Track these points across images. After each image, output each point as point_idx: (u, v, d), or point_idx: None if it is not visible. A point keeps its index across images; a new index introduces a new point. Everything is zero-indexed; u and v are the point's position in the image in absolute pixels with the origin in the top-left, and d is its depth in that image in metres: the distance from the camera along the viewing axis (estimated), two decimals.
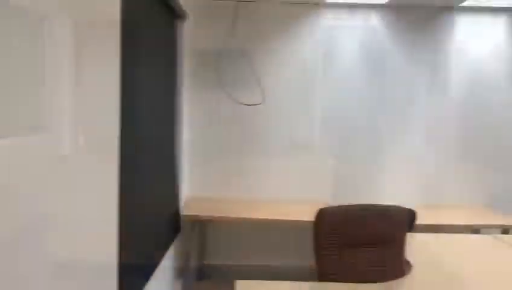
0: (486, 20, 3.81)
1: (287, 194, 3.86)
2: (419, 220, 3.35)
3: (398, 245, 2.10)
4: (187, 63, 3.55)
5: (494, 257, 2.21)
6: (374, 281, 1.92)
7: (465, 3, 3.64)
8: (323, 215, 2.02)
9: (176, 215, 3.23)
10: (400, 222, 2.10)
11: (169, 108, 3.10)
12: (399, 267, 2.07)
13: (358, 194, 3.84)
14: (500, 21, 3.81)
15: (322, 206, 2.06)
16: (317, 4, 3.78)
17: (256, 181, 3.86)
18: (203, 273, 3.79)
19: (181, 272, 3.43)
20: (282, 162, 3.86)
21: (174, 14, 3.17)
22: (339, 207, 2.05)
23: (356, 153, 3.88)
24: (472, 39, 3.83)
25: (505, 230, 3.28)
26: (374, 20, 3.80)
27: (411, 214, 2.92)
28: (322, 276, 2.03)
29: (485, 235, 2.61)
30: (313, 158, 3.87)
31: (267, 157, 3.86)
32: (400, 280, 1.95)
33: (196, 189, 3.83)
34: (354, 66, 3.83)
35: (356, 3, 3.76)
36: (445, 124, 3.88)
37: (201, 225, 3.78)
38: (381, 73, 3.84)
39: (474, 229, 3.52)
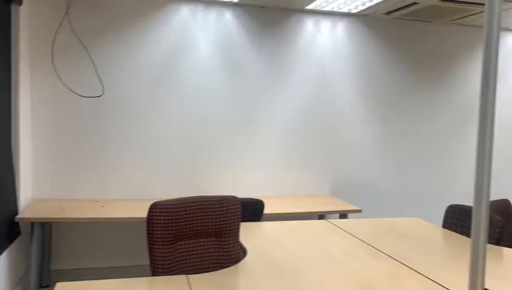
0: (329, 23, 4.15)
1: (136, 192, 3.79)
2: (269, 210, 3.55)
3: (232, 234, 2.18)
4: (24, 52, 3.26)
5: (325, 239, 2.41)
6: (208, 271, 1.97)
7: (309, 6, 3.92)
8: (155, 209, 2.01)
9: (12, 219, 2.97)
10: (233, 211, 2.18)
11: (2, 105, 2.82)
12: (233, 255, 2.15)
13: (211, 188, 3.93)
14: (341, 24, 4.18)
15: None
16: None
17: (105, 180, 3.71)
18: (47, 279, 3.54)
19: (21, 279, 3.17)
20: (132, 160, 3.77)
21: None
22: (171, 201, 2.06)
23: (210, 149, 3.95)
24: (317, 40, 4.14)
25: (342, 215, 3.64)
26: (228, 18, 3.90)
27: (259, 204, 3.07)
28: (155, 271, 2.02)
29: (321, 221, 2.85)
30: (164, 155, 3.84)
31: (116, 155, 3.73)
32: (231, 267, 2.02)
33: (43, 191, 3.57)
34: (207, 62, 3.88)
35: (211, 0, 3.81)
36: (295, 121, 4.14)
37: (46, 228, 3.52)
38: (235, 71, 3.96)
39: (320, 216, 3.85)
